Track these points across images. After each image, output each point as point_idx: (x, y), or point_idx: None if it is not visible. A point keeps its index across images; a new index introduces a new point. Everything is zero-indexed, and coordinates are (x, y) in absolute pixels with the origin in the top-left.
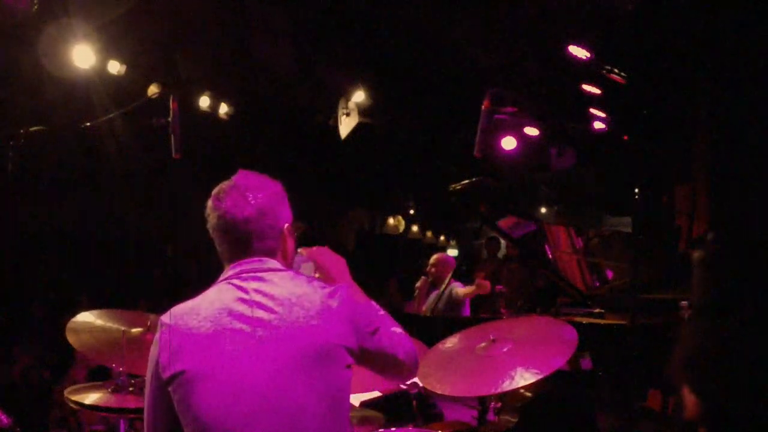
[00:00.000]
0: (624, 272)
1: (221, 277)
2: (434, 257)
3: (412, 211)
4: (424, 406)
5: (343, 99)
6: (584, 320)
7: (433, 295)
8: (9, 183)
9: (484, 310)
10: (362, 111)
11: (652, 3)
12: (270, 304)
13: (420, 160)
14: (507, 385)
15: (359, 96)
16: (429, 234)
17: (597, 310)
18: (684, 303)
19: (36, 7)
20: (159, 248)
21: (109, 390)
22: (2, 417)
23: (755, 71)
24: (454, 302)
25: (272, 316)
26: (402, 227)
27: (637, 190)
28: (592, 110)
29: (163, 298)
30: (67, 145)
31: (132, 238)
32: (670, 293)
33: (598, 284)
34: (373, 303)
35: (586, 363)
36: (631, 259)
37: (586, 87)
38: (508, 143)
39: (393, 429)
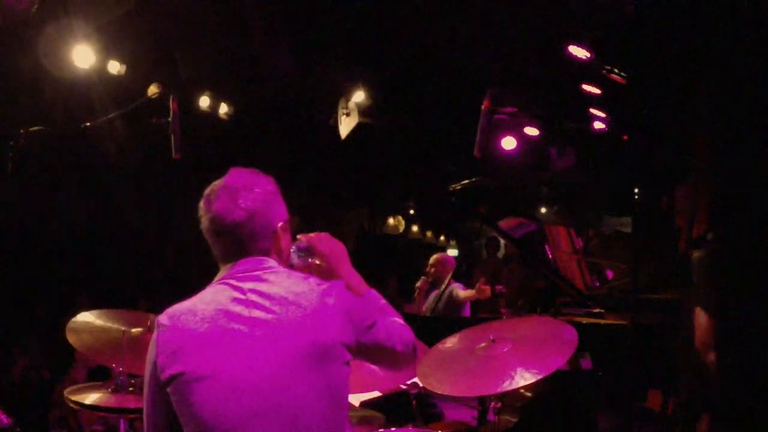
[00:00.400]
0: (624, 272)
1: (217, 278)
2: (433, 257)
3: (412, 211)
4: (424, 406)
5: (343, 99)
6: (584, 320)
7: (433, 295)
8: (9, 183)
9: (484, 310)
10: (362, 111)
11: (652, 3)
12: (266, 303)
13: (420, 160)
14: (507, 385)
15: (359, 96)
16: (429, 234)
17: (597, 310)
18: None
19: (36, 7)
20: (159, 248)
21: (109, 390)
22: (2, 417)
23: (755, 71)
24: (454, 303)
25: (269, 315)
26: (402, 227)
27: (637, 190)
28: (592, 110)
29: (163, 298)
30: (67, 145)
31: (132, 238)
32: (670, 293)
33: (598, 284)
34: (373, 292)
35: (586, 363)
36: (631, 259)
37: (586, 87)
38: (508, 143)
39: (393, 429)
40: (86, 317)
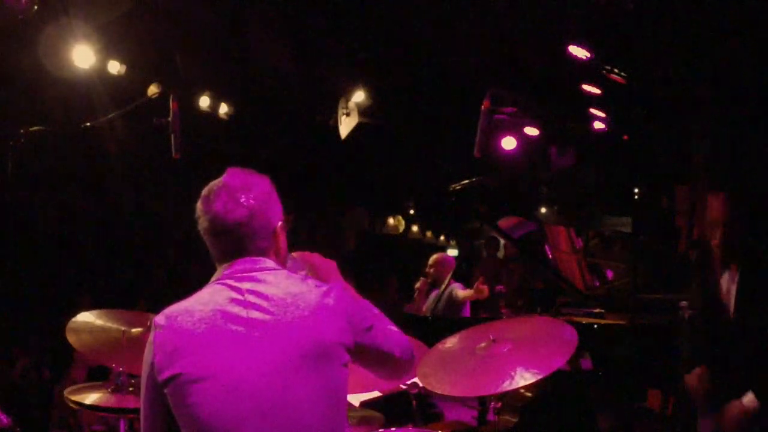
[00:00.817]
0: (624, 272)
1: (214, 278)
2: (432, 258)
3: (412, 211)
4: (424, 406)
5: (343, 99)
6: (584, 320)
7: (433, 296)
8: (9, 183)
9: (484, 310)
10: (362, 111)
11: (652, 3)
12: (265, 304)
13: (420, 160)
14: (507, 385)
15: (359, 96)
16: (429, 234)
17: (597, 310)
18: (684, 303)
19: (36, 7)
20: (159, 248)
21: (109, 390)
22: (2, 417)
23: (755, 70)
24: (453, 303)
25: (267, 316)
26: (402, 227)
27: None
28: (592, 110)
29: (163, 298)
30: (67, 145)
31: (132, 238)
32: (670, 293)
33: (598, 284)
34: (367, 302)
35: (586, 363)
36: (631, 259)
37: (586, 87)
38: (508, 143)
39: (393, 429)
40: (86, 317)
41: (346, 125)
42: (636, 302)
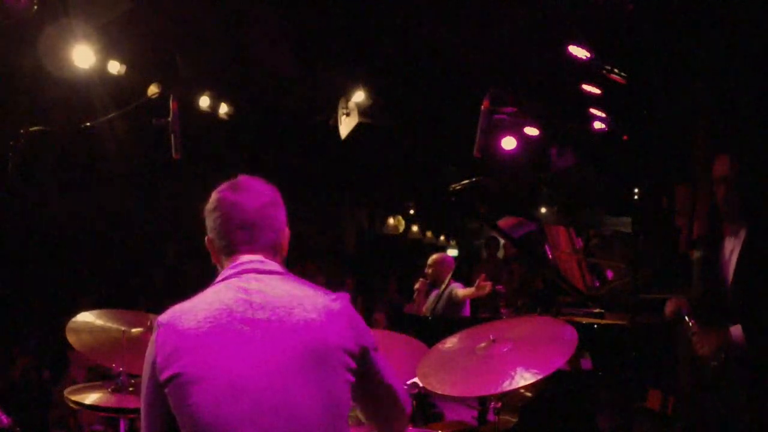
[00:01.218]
0: (624, 272)
1: (220, 277)
2: (431, 258)
3: (412, 211)
4: (424, 406)
5: (343, 99)
6: (584, 320)
7: (433, 295)
8: (9, 183)
9: (484, 310)
10: (362, 111)
11: (652, 3)
12: (270, 305)
13: (420, 160)
14: (507, 385)
15: (359, 96)
16: (429, 234)
17: (597, 310)
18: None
19: (36, 7)
20: (159, 248)
21: (109, 390)
22: (2, 417)
23: (755, 70)
24: (453, 303)
25: (272, 317)
26: (402, 227)
27: (637, 190)
28: (592, 110)
29: (163, 298)
30: (67, 145)
31: (132, 238)
32: (670, 293)
33: (598, 284)
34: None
35: (586, 363)
36: (631, 259)
37: (586, 87)
38: (508, 143)
39: None
40: (86, 317)
41: (346, 125)
42: (636, 302)
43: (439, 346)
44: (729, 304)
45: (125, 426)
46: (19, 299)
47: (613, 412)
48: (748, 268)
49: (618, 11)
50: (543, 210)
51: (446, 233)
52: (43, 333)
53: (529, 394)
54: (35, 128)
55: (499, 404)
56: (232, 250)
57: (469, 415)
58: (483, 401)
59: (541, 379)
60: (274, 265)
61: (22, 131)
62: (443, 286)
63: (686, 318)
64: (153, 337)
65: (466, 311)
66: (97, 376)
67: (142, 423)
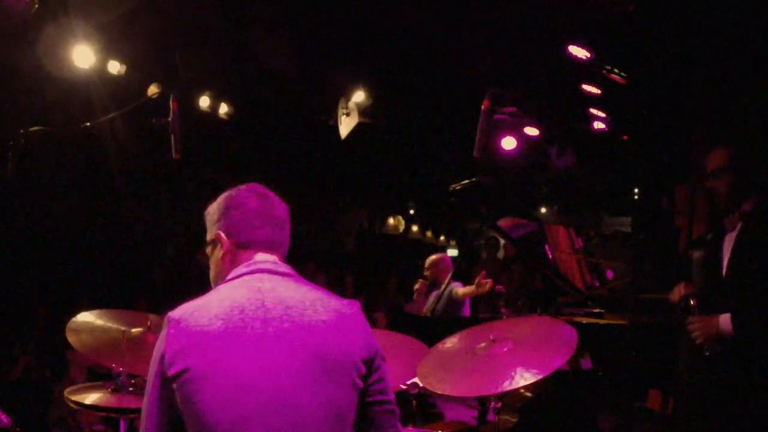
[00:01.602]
0: (624, 272)
1: (233, 274)
2: (429, 259)
3: (412, 211)
4: (424, 406)
5: (343, 99)
6: (584, 320)
7: (433, 296)
8: (9, 183)
9: (484, 310)
10: (362, 111)
11: (652, 3)
12: (283, 305)
13: (420, 160)
14: (507, 385)
15: (359, 96)
16: (429, 234)
17: (597, 310)
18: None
19: (36, 7)
20: (159, 248)
21: (109, 390)
22: (2, 417)
23: (754, 70)
24: (453, 302)
25: (285, 318)
26: (402, 227)
27: (637, 190)
28: (592, 110)
29: (163, 298)
30: (67, 145)
31: (132, 238)
32: (670, 293)
33: (598, 284)
34: None
35: (586, 363)
36: (631, 259)
37: (586, 87)
38: (508, 143)
39: None
40: (86, 317)
41: (346, 125)
42: (636, 302)
43: (439, 346)
44: (724, 295)
45: (125, 426)
46: (19, 299)
47: (613, 412)
48: (740, 257)
49: (618, 11)
50: (543, 210)
51: (446, 233)
52: (43, 333)
53: (529, 394)
54: (35, 128)
55: (499, 404)
56: (250, 246)
57: (469, 415)
58: (483, 401)
59: (541, 379)
60: (288, 268)
61: (22, 131)
62: (443, 287)
63: (690, 300)
64: (163, 332)
65: (466, 311)
66: (97, 376)
67: (143, 419)
